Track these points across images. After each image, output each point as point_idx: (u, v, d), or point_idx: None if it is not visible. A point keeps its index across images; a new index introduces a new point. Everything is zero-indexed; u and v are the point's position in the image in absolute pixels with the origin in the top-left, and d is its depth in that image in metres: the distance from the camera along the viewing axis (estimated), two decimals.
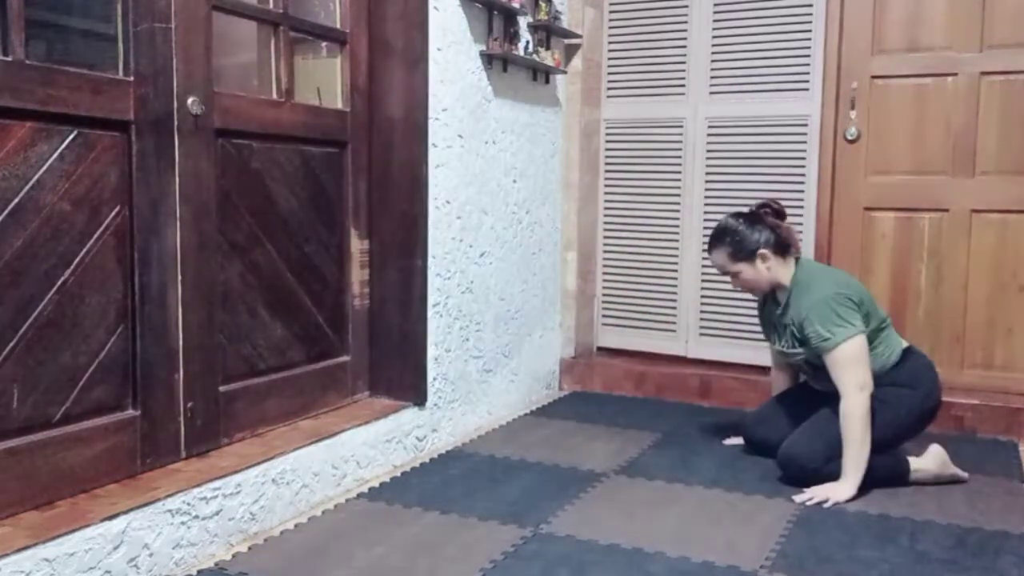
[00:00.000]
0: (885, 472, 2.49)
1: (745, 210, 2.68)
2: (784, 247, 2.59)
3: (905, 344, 2.62)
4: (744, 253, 2.57)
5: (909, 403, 2.53)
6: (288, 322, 2.50)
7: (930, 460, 2.54)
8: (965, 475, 2.58)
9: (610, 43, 3.68)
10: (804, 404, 2.65)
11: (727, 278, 2.70)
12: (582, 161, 3.66)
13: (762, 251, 2.56)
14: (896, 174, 3.31)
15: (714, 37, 3.48)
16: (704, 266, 3.53)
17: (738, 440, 2.89)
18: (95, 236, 1.94)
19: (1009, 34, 3.12)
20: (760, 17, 3.40)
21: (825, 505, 2.36)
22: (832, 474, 2.44)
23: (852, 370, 2.41)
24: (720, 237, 2.62)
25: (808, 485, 2.45)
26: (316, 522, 2.24)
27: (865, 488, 2.44)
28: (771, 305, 2.68)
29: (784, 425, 2.65)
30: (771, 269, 2.57)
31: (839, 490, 2.40)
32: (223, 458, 2.20)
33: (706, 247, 2.73)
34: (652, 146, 3.63)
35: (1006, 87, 3.14)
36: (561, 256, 3.69)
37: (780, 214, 2.65)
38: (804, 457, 2.48)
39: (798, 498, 2.39)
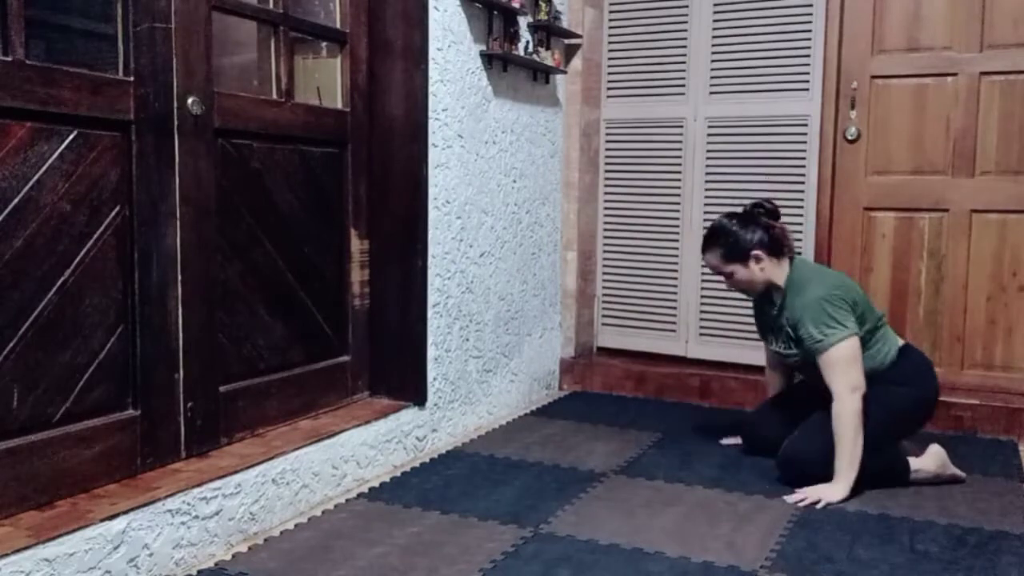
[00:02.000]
0: (885, 472, 2.49)
1: (739, 210, 2.67)
2: (778, 247, 2.58)
3: (902, 342, 2.62)
4: (738, 254, 2.56)
5: (906, 401, 2.53)
6: (288, 322, 2.50)
7: (930, 460, 2.54)
8: (963, 475, 2.58)
9: (610, 43, 3.68)
10: (802, 403, 2.65)
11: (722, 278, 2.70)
12: (582, 161, 3.66)
13: (756, 252, 2.55)
14: (896, 174, 3.31)
15: (714, 37, 3.48)
16: (704, 266, 3.52)
17: (736, 440, 2.89)
18: (95, 236, 1.94)
19: (1009, 34, 3.12)
20: (760, 17, 3.40)
21: (818, 506, 2.36)
22: (830, 474, 2.44)
23: (844, 372, 2.40)
24: (713, 238, 2.61)
25: (806, 485, 2.45)
26: (316, 522, 2.24)
27: (864, 488, 2.44)
28: (766, 306, 2.67)
29: (783, 425, 2.64)
30: (764, 270, 2.56)
31: (832, 491, 2.40)
32: (223, 458, 2.20)
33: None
34: (652, 146, 3.63)
35: (1006, 87, 3.14)
36: (561, 256, 3.69)
37: (774, 214, 2.63)
38: (804, 458, 2.48)
39: (790, 499, 2.39)
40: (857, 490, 2.42)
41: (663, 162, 3.61)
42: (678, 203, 3.59)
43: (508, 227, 3.27)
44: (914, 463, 2.52)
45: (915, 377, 2.56)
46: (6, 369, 1.77)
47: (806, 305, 2.47)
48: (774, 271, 2.57)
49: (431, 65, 2.74)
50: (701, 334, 3.59)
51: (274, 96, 2.46)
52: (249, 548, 2.09)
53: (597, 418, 3.25)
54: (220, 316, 2.26)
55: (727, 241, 2.57)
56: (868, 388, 2.42)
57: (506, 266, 3.27)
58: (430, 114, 2.75)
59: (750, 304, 2.83)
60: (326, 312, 2.65)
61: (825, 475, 2.44)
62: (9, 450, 1.78)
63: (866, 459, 2.41)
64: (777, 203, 2.68)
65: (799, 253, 2.78)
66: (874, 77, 3.31)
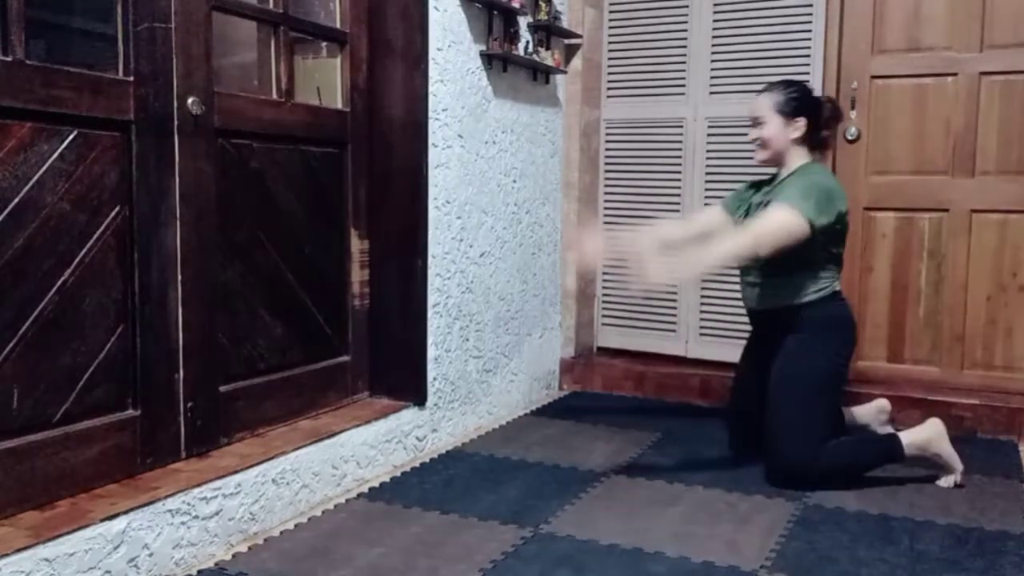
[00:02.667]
0: (877, 448, 2.53)
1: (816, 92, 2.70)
2: (817, 141, 2.64)
3: (839, 288, 2.64)
4: (788, 109, 2.59)
5: (837, 347, 2.57)
6: (288, 322, 2.50)
7: (925, 430, 2.54)
8: (959, 467, 2.53)
9: (610, 43, 3.68)
10: (763, 364, 2.64)
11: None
12: (582, 161, 3.66)
13: (801, 120, 2.59)
14: (896, 174, 3.31)
15: (714, 37, 3.48)
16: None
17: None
18: (95, 236, 1.94)
19: (1009, 34, 3.12)
20: (760, 17, 3.40)
21: (634, 284, 2.41)
22: (826, 464, 2.46)
23: (770, 227, 2.44)
24: (783, 85, 2.65)
25: (806, 485, 2.46)
26: (316, 522, 2.24)
27: (863, 486, 2.45)
28: (753, 191, 2.72)
29: (756, 409, 2.63)
30: (793, 141, 2.60)
31: (662, 267, 2.43)
32: (223, 458, 2.20)
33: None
34: (652, 146, 3.63)
35: (1006, 87, 3.14)
36: (561, 256, 3.69)
37: (836, 116, 2.69)
38: (791, 459, 2.48)
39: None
40: (857, 489, 2.43)
41: (663, 162, 3.61)
42: (678, 203, 3.59)
43: (508, 227, 3.27)
44: (906, 437, 2.51)
45: (840, 320, 2.59)
46: (6, 369, 1.77)
47: (803, 183, 2.51)
48: (796, 151, 2.62)
49: (431, 65, 2.74)
50: (701, 334, 3.59)
51: (274, 96, 2.46)
52: (249, 548, 2.09)
53: (597, 418, 3.25)
54: (220, 316, 2.26)
55: (791, 95, 2.61)
56: (807, 336, 2.51)
57: (506, 266, 3.27)
58: (430, 114, 2.75)
59: None
60: (326, 312, 2.65)
61: (821, 466, 2.46)
62: (9, 450, 1.78)
63: (859, 449, 2.50)
64: None
65: None
66: (874, 77, 3.31)
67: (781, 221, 2.45)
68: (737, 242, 2.48)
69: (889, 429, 2.73)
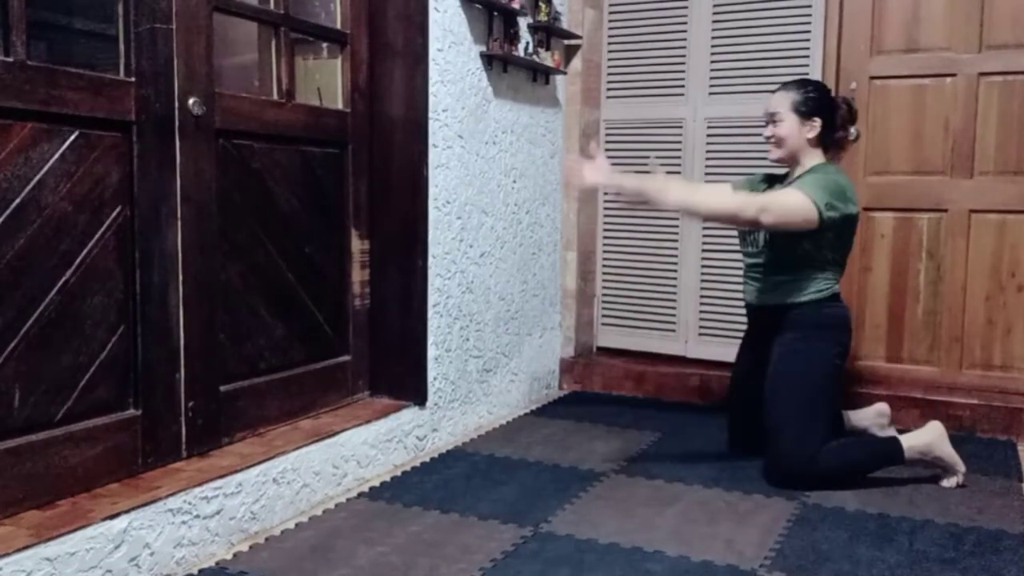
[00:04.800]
0: (877, 451, 2.53)
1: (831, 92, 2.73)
2: (831, 141, 2.66)
3: (838, 289, 2.65)
4: (805, 108, 2.61)
5: (831, 350, 2.58)
6: (289, 322, 2.51)
7: (925, 434, 2.54)
8: (961, 467, 2.53)
9: (610, 43, 3.69)
10: (758, 378, 2.65)
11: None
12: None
13: (817, 120, 2.60)
14: (895, 174, 3.32)
15: (714, 37, 3.49)
16: (704, 266, 3.54)
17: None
18: (96, 236, 1.95)
19: (1008, 35, 3.12)
20: (760, 17, 3.41)
21: (583, 180, 2.48)
22: (825, 465, 2.46)
23: (779, 204, 2.46)
24: (800, 84, 2.67)
25: (805, 485, 2.46)
26: (317, 521, 2.25)
27: (863, 487, 2.46)
28: (764, 186, 2.74)
29: (754, 407, 2.64)
30: (807, 140, 2.61)
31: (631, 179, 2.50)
32: (224, 457, 2.21)
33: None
34: (652, 146, 3.63)
35: (1005, 88, 3.14)
36: (561, 256, 3.70)
37: (852, 118, 2.71)
38: (791, 458, 2.48)
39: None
40: (857, 489, 2.44)
41: (663, 162, 3.61)
42: None
43: (508, 227, 3.28)
44: (906, 440, 2.51)
45: (838, 320, 2.61)
46: (8, 369, 1.78)
47: (819, 179, 2.52)
48: (810, 151, 2.63)
49: (431, 66, 2.74)
50: (701, 334, 3.59)
51: (275, 97, 2.46)
52: (250, 547, 2.09)
53: (597, 418, 3.25)
54: (221, 316, 2.26)
55: (809, 94, 2.62)
56: (801, 340, 2.53)
57: (506, 266, 3.27)
58: (430, 114, 2.76)
59: None
60: (327, 312, 2.66)
61: (820, 467, 2.46)
62: (10, 450, 1.78)
63: (860, 451, 2.50)
64: None
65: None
66: (873, 78, 3.31)
67: (792, 200, 2.47)
68: (746, 199, 2.51)
69: (890, 432, 2.74)
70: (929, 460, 2.53)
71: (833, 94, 2.73)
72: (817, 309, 2.58)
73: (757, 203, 2.48)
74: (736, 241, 2.86)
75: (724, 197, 2.62)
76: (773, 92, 2.71)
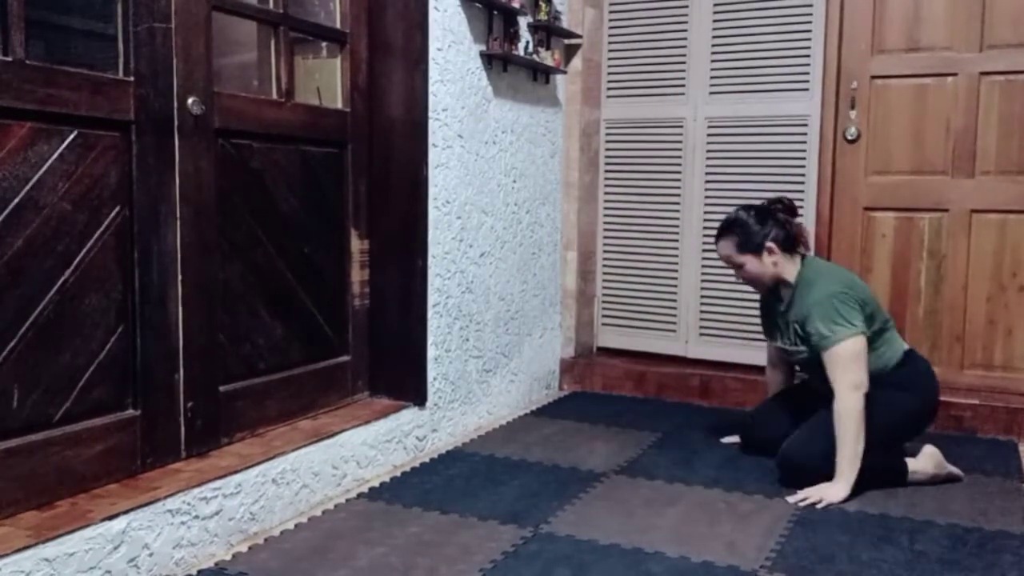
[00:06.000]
0: (883, 474, 2.49)
1: (757, 203, 2.68)
2: (792, 244, 2.60)
3: (906, 347, 2.62)
4: (751, 245, 2.58)
5: (908, 406, 2.54)
6: (288, 322, 2.50)
7: (926, 461, 2.55)
8: (961, 474, 2.58)
9: (610, 43, 3.68)
10: (803, 403, 2.66)
11: (730, 272, 2.72)
12: (582, 161, 3.66)
13: (769, 244, 2.56)
14: (896, 174, 3.31)
15: (714, 37, 3.48)
16: (704, 266, 3.53)
17: (735, 439, 2.90)
18: (95, 236, 1.94)
19: (1009, 34, 3.12)
20: (760, 17, 3.40)
21: (819, 506, 2.36)
22: (830, 475, 2.44)
23: (848, 369, 2.41)
24: (729, 227, 2.63)
25: (806, 486, 2.45)
26: (316, 522, 2.24)
27: (863, 489, 2.44)
28: (773, 302, 2.68)
29: (784, 424, 2.65)
30: (776, 264, 2.58)
31: (833, 490, 2.40)
32: (223, 458, 2.20)
33: (712, 240, 2.73)
34: (652, 146, 3.63)
35: (1006, 87, 3.14)
36: (561, 256, 3.69)
37: (791, 211, 2.65)
38: (803, 459, 2.48)
39: (791, 499, 2.39)
40: (856, 490, 2.42)
41: (663, 162, 3.61)
42: (678, 203, 3.59)
43: (508, 227, 3.27)
44: (911, 464, 2.52)
45: (918, 381, 2.57)
46: (7, 369, 1.77)
47: (816, 302, 2.48)
48: (786, 266, 2.59)
49: (431, 65, 2.74)
50: (701, 334, 3.59)
51: (274, 96, 2.46)
52: (249, 548, 2.09)
53: (597, 418, 3.25)
54: (220, 316, 2.26)
55: (742, 232, 2.59)
56: (871, 391, 2.42)
57: (506, 266, 3.27)
58: (430, 114, 2.75)
59: (750, 304, 2.84)
60: (326, 312, 2.66)
61: (824, 476, 2.44)
62: (9, 450, 1.78)
63: (866, 460, 2.41)
64: None
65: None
66: (874, 77, 3.31)
67: (846, 358, 2.41)
68: (853, 411, 2.38)
69: (951, 469, 2.59)
70: (928, 481, 2.55)
71: (759, 206, 2.64)
72: (891, 376, 2.52)
73: (852, 397, 2.38)
74: None
75: (849, 434, 2.39)
76: (716, 241, 2.67)
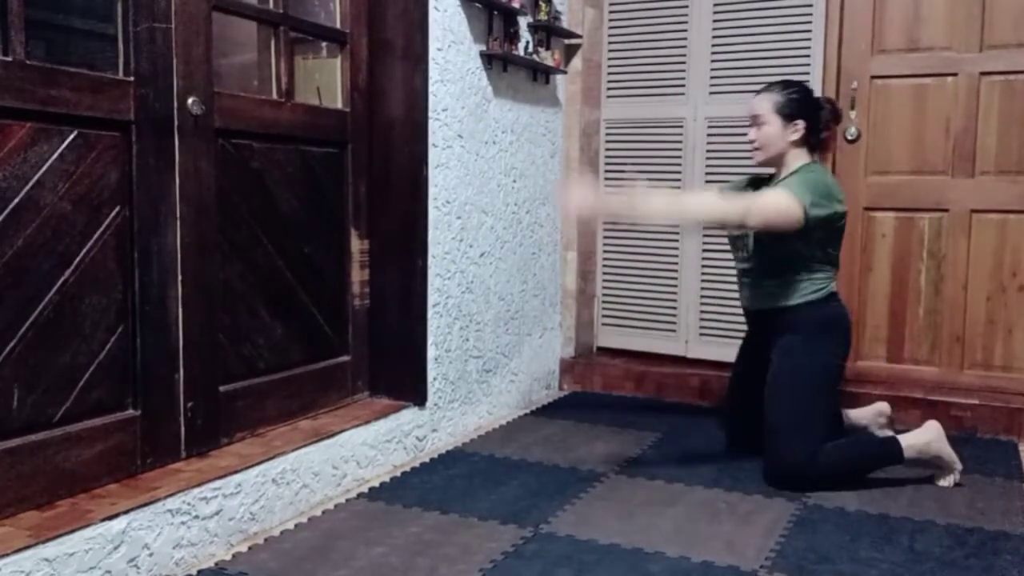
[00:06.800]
0: (878, 455, 2.53)
1: (815, 93, 2.70)
2: (816, 140, 2.64)
3: (835, 288, 2.64)
4: (787, 110, 2.59)
5: (831, 348, 2.58)
6: (288, 322, 2.50)
7: (924, 433, 2.54)
8: (959, 465, 2.54)
9: (610, 43, 3.68)
10: (758, 386, 2.64)
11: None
12: (582, 161, 3.66)
13: (800, 122, 2.59)
14: (896, 174, 3.31)
15: (714, 37, 3.49)
16: (704, 266, 3.53)
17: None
18: (95, 236, 1.94)
19: (1009, 34, 3.12)
20: (760, 17, 3.40)
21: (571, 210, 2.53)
22: (825, 464, 2.45)
23: (765, 202, 2.45)
24: (783, 86, 2.65)
25: (805, 486, 2.46)
26: (316, 522, 2.24)
27: (863, 486, 2.46)
28: (750, 189, 2.72)
29: (752, 414, 2.63)
30: (792, 144, 2.60)
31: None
32: (223, 458, 2.20)
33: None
34: (652, 146, 3.63)
35: (1006, 87, 3.14)
36: (561, 256, 3.69)
37: (836, 117, 2.69)
38: (790, 459, 2.48)
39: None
40: (857, 489, 2.44)
41: (663, 162, 3.61)
42: None
43: (508, 227, 3.27)
44: (905, 439, 2.51)
45: (837, 324, 2.60)
46: (6, 369, 1.77)
47: (803, 179, 2.51)
48: (795, 152, 2.61)
49: (431, 65, 2.74)
50: (701, 334, 3.59)
51: (274, 96, 2.46)
52: (249, 548, 2.09)
53: (597, 418, 3.25)
54: (220, 316, 2.26)
55: (788, 95, 2.61)
56: (801, 337, 2.51)
57: (506, 266, 3.27)
58: (430, 114, 2.75)
59: None
60: (326, 312, 2.66)
61: (820, 468, 2.45)
62: (9, 450, 1.78)
63: (858, 451, 2.49)
64: None
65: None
66: (874, 77, 3.31)
67: (777, 200, 2.45)
68: (731, 203, 2.50)
69: (888, 432, 2.73)
70: (928, 459, 2.53)
71: (817, 95, 2.71)
72: (814, 310, 2.57)
73: (742, 205, 2.48)
74: None
75: (709, 203, 2.62)
76: (756, 93, 2.70)
